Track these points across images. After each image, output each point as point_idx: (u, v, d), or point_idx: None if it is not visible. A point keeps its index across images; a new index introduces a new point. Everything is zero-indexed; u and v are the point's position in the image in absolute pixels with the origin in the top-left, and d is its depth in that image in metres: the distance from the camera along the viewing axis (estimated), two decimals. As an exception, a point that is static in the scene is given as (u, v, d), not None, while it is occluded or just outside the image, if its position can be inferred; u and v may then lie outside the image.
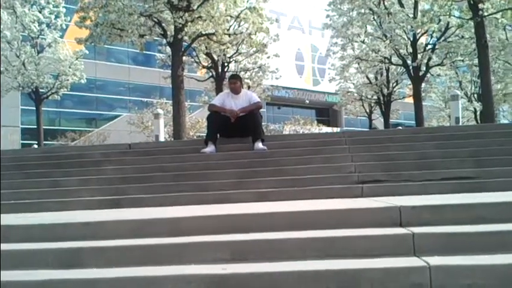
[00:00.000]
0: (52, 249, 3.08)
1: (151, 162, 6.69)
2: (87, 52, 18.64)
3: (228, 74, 17.23)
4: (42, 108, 25.38)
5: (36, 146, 17.86)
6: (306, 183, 5.47)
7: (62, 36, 19.30)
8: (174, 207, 4.94)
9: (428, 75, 17.25)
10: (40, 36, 18.12)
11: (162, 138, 11.03)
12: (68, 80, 18.65)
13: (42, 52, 18.13)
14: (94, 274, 2.80)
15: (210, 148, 6.69)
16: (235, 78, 7.54)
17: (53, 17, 18.10)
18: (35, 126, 19.19)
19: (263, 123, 7.12)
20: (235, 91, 7.21)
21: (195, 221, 3.41)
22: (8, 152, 8.32)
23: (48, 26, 18.19)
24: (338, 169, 5.84)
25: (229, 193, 5.34)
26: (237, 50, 16.11)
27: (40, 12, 17.46)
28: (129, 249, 3.04)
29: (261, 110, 7.31)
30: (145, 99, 31.46)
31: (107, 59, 35.97)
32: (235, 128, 6.91)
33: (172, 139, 12.35)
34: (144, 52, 27.07)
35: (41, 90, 18.52)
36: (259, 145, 6.64)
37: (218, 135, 7.02)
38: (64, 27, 18.54)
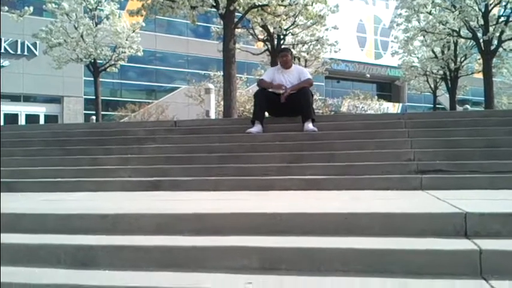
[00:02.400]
0: (63, 245, 2.82)
1: (196, 141, 6.41)
2: (143, 25, 18.56)
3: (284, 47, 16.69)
4: (105, 80, 25.97)
5: (94, 118, 18.21)
6: (359, 171, 4.99)
7: (122, 9, 19.35)
8: (213, 192, 4.63)
9: (501, 49, 15.83)
10: (98, 8, 18.20)
11: (213, 114, 10.76)
12: (124, 52, 18.70)
13: (100, 24, 18.21)
14: (105, 279, 2.50)
15: (256, 128, 6.32)
16: (286, 51, 7.12)
17: (110, -12, 18.17)
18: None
19: (319, 98, 6.65)
20: (286, 65, 6.79)
21: (226, 218, 3.04)
22: (52, 127, 8.35)
23: (105, -3, 18.30)
24: (395, 156, 5.30)
25: (274, 179, 4.96)
26: (294, 21, 15.43)
27: (98, -17, 17.56)
28: (148, 250, 2.72)
29: (318, 84, 6.86)
30: (204, 72, 31.41)
31: (167, 31, 36.10)
32: (284, 106, 6.49)
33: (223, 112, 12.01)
34: (203, 24, 26.94)
35: (98, 61, 18.69)
36: (310, 126, 6.20)
37: (266, 113, 6.64)
38: (122, -1, 18.59)
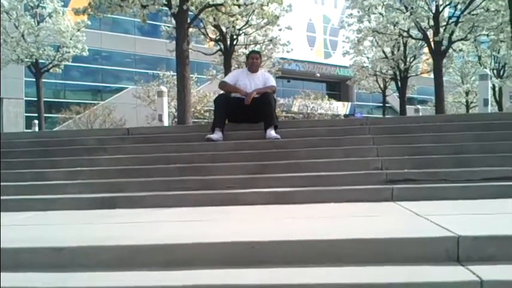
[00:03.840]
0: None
1: (152, 151, 6.01)
2: (89, 23, 17.66)
3: (237, 48, 16.36)
4: (47, 80, 24.70)
5: (36, 121, 17.23)
6: (327, 181, 4.78)
7: (66, 6, 18.40)
8: (175, 210, 4.27)
9: (450, 50, 16.20)
10: (40, 5, 17.17)
11: (166, 117, 10.31)
12: (69, 52, 17.77)
13: (42, 22, 17.21)
14: None
15: (216, 135, 6.01)
16: (258, 53, 6.86)
17: (53, -16, 17.18)
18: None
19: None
20: (255, 67, 6.52)
21: (196, 249, 2.71)
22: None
23: (48, -6, 17.27)
24: (362, 164, 5.13)
25: (239, 193, 4.64)
26: (247, 21, 15.16)
27: (40, -21, 16.56)
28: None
29: (275, 88, 6.58)
30: (152, 72, 30.61)
31: (112, 29, 34.89)
32: (246, 112, 6.20)
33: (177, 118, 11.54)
34: (151, 22, 26.26)
35: (41, 61, 17.67)
36: (272, 133, 5.95)
37: (226, 120, 6.33)
38: (66, -4, 17.62)
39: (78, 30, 17.74)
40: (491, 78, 22.19)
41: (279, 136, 5.92)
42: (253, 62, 6.51)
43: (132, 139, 6.52)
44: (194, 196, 4.63)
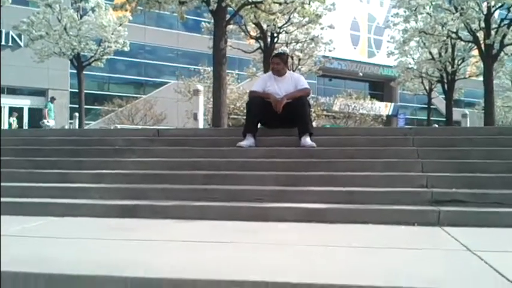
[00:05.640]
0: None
1: (181, 155, 5.74)
2: (130, 18, 17.65)
3: (277, 46, 15.97)
4: (91, 72, 25.07)
5: (77, 114, 17.41)
6: (365, 198, 4.36)
7: (110, 0, 18.48)
8: (198, 223, 3.99)
9: (502, 53, 15.26)
10: (83, 0, 17.28)
11: (201, 116, 10.05)
12: (110, 47, 17.86)
13: (85, 16, 17.35)
14: None
15: (248, 141, 5.67)
16: (279, 57, 6.28)
17: (96, -21, 17.24)
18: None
19: (312, 96, 5.94)
20: (278, 73, 6.07)
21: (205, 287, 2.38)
22: (23, 133, 7.62)
23: (91, -12, 17.38)
24: (405, 181, 4.67)
25: (268, 207, 4.28)
26: (289, 19, 14.75)
27: (83, -26, 16.64)
28: None
29: (311, 81, 6.18)
30: (193, 67, 30.61)
31: (157, 24, 35.13)
32: (279, 117, 5.81)
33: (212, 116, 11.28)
34: (194, 18, 26.22)
35: (83, 54, 17.84)
36: (308, 141, 5.56)
37: (259, 124, 5.97)
38: (109, -9, 17.67)
39: (120, 24, 17.77)
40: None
41: (314, 144, 5.53)
42: (273, 67, 6.10)
43: (162, 141, 6.26)
44: (220, 208, 4.31)
